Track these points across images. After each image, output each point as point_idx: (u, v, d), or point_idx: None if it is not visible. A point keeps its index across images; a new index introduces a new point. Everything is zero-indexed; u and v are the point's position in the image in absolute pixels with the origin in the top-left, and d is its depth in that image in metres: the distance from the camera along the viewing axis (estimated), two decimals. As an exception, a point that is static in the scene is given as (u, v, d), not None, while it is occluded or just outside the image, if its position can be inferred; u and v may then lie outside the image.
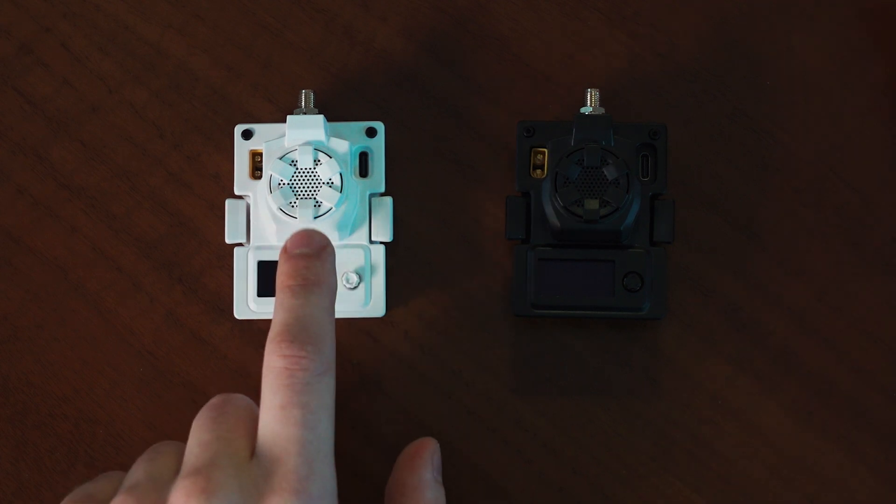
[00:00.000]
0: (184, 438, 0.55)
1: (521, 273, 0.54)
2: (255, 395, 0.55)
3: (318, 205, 0.54)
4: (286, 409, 0.45)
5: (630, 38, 0.57)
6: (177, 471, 0.47)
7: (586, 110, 0.55)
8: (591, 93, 0.55)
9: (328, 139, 0.54)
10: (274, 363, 0.46)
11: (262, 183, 0.54)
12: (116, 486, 0.48)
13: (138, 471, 0.48)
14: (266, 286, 0.54)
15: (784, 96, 0.56)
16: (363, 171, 0.56)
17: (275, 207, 0.53)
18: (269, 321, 0.55)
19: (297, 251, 0.48)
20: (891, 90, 0.56)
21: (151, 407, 0.55)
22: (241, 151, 0.56)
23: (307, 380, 0.45)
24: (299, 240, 0.49)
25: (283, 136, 0.54)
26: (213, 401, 0.49)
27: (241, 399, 0.49)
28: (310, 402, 0.45)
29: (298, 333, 0.46)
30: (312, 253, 0.48)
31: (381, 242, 0.55)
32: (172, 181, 0.57)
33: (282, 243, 0.54)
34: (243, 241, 0.55)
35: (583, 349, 0.55)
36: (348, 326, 0.56)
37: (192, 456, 0.46)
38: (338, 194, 0.53)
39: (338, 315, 0.55)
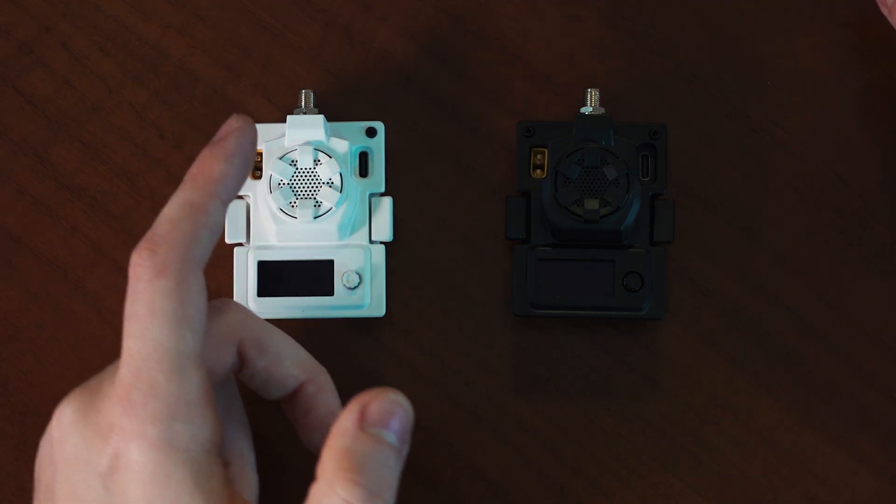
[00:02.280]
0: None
1: (521, 273, 0.54)
2: (256, 394, 0.55)
3: (318, 205, 0.54)
4: (125, 321, 0.45)
5: (630, 38, 0.57)
6: None
7: (586, 110, 0.55)
8: (591, 93, 0.55)
9: (328, 139, 0.54)
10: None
11: (262, 183, 0.54)
12: None
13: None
14: (266, 286, 0.54)
15: (784, 96, 0.56)
16: (363, 171, 0.56)
17: (275, 207, 0.53)
18: (269, 321, 0.55)
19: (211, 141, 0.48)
20: (891, 90, 0.56)
21: (151, 407, 0.55)
22: (242, 151, 0.56)
23: (137, 287, 0.44)
24: (221, 128, 0.48)
25: (283, 136, 0.55)
26: None
27: None
28: (137, 312, 0.44)
29: (146, 237, 0.45)
30: (214, 141, 0.48)
31: (381, 242, 0.55)
32: (173, 181, 0.57)
33: (282, 243, 0.54)
34: (243, 241, 0.55)
35: (583, 349, 0.55)
36: (348, 326, 0.56)
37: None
38: (338, 194, 0.53)
39: (338, 315, 0.55)
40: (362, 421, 0.44)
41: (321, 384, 0.50)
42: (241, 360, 0.49)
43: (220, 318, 0.48)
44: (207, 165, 0.47)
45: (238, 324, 0.48)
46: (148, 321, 0.44)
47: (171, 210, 0.46)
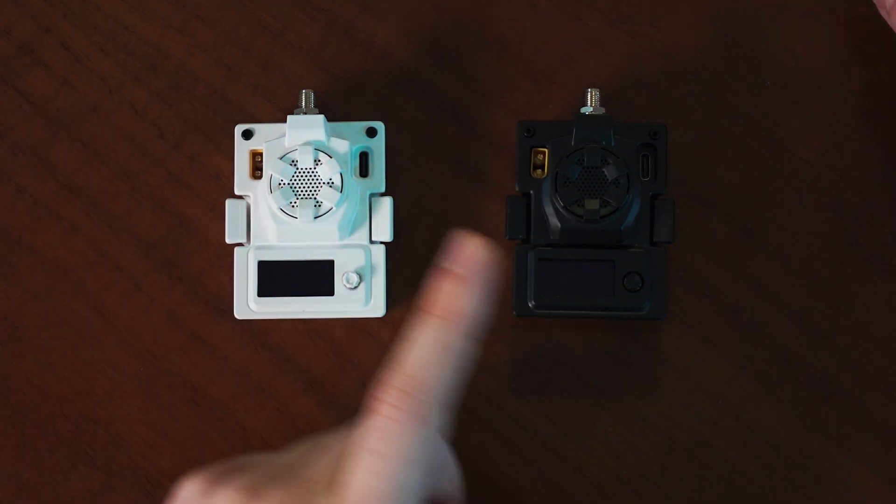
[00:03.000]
0: (184, 438, 0.55)
1: (522, 273, 0.54)
2: (256, 395, 0.55)
3: (318, 205, 0.54)
4: (370, 455, 0.43)
5: (630, 38, 0.57)
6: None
7: (586, 110, 0.55)
8: (591, 93, 0.55)
9: (328, 139, 0.54)
10: (372, 404, 0.43)
11: (263, 183, 0.54)
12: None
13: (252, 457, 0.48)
14: (266, 286, 0.54)
15: (784, 96, 0.56)
16: (363, 171, 0.56)
17: (275, 207, 0.53)
18: (269, 321, 0.55)
19: (446, 265, 0.44)
20: (891, 90, 0.56)
21: (151, 407, 0.55)
22: (242, 151, 0.56)
23: (396, 431, 0.43)
24: (457, 251, 0.44)
25: (284, 136, 0.54)
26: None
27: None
28: (394, 455, 0.43)
29: (398, 376, 0.43)
30: (463, 274, 0.44)
31: (381, 242, 0.55)
32: (172, 181, 0.57)
33: (282, 243, 0.54)
34: (243, 241, 0.55)
35: (583, 349, 0.55)
36: (348, 326, 0.56)
37: (263, 469, 0.46)
38: (338, 194, 0.53)
39: (338, 315, 0.55)
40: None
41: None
42: None
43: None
44: (458, 302, 0.43)
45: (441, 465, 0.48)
46: (401, 467, 0.42)
47: (426, 351, 0.43)
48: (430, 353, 0.43)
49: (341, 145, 0.54)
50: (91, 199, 0.57)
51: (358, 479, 0.43)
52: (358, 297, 0.54)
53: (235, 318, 0.55)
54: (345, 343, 0.56)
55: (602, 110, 0.55)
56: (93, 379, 0.56)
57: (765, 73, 0.56)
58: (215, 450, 0.55)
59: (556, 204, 0.53)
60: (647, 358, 0.55)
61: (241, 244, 0.55)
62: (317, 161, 0.54)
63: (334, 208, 0.54)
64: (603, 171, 0.53)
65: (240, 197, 0.56)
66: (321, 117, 0.54)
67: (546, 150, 0.55)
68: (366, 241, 0.55)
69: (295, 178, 0.54)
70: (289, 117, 0.54)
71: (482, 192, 0.56)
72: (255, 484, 0.44)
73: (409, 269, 0.56)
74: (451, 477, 0.49)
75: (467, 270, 0.44)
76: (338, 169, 0.54)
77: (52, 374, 0.56)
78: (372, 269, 0.55)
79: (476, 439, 0.55)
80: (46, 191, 0.57)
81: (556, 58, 0.57)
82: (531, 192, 0.54)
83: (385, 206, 0.55)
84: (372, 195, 0.55)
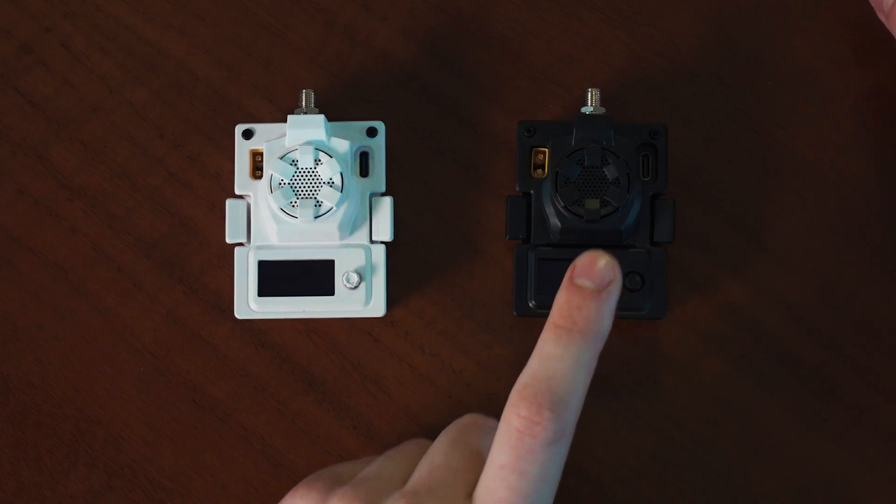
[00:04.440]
0: (184, 438, 0.55)
1: (522, 273, 0.54)
2: (256, 395, 0.55)
3: (318, 204, 0.54)
4: (505, 470, 0.43)
5: (630, 38, 0.57)
6: (407, 478, 0.47)
7: (587, 110, 0.55)
8: (591, 93, 0.55)
9: (329, 139, 0.54)
10: (509, 418, 0.44)
11: (263, 183, 0.54)
12: (360, 470, 0.49)
13: (376, 465, 0.48)
14: (267, 286, 0.54)
15: (784, 96, 0.56)
16: (363, 171, 0.56)
17: (275, 207, 0.53)
18: (270, 321, 0.55)
19: (579, 281, 0.45)
20: (891, 90, 0.56)
21: (151, 407, 0.55)
22: (242, 151, 0.56)
23: (534, 447, 0.43)
24: (585, 265, 0.45)
25: (284, 135, 0.54)
26: (464, 420, 0.49)
27: (486, 427, 0.48)
28: (530, 471, 0.43)
29: (542, 394, 0.43)
30: (592, 288, 0.44)
31: (382, 242, 0.55)
32: (173, 181, 0.57)
33: (282, 243, 0.54)
34: (244, 240, 0.55)
35: (583, 349, 0.55)
36: (348, 326, 0.56)
37: (419, 475, 0.47)
38: (338, 194, 0.53)
39: (338, 315, 0.55)
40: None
41: None
42: None
43: None
44: (598, 319, 0.45)
45: None
46: (538, 485, 0.43)
47: (569, 370, 0.44)
48: (572, 370, 0.44)
49: (341, 145, 0.54)
50: (91, 199, 0.57)
51: (496, 495, 0.43)
52: (358, 297, 0.54)
53: (235, 318, 0.55)
54: (345, 343, 0.56)
55: (602, 110, 0.55)
56: (93, 379, 0.56)
57: (765, 73, 0.56)
58: (215, 450, 0.55)
59: (557, 204, 0.53)
60: (647, 358, 0.55)
61: (241, 244, 0.55)
62: (317, 161, 0.54)
63: (334, 208, 0.54)
64: (603, 171, 0.53)
65: (240, 197, 0.56)
66: (321, 117, 0.54)
67: (546, 150, 0.55)
68: (366, 241, 0.55)
69: (295, 177, 0.54)
70: (289, 117, 0.54)
71: (482, 192, 0.56)
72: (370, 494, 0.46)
73: (409, 269, 0.56)
74: None
75: (604, 288, 0.44)
76: (338, 169, 0.54)
77: (52, 374, 0.56)
78: (372, 269, 0.55)
79: (476, 439, 0.55)
80: (46, 191, 0.57)
81: (556, 58, 0.57)
82: (531, 192, 0.54)
83: (385, 206, 0.55)
84: (372, 195, 0.55)
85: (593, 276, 0.45)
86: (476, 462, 0.47)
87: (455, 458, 0.47)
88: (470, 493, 0.45)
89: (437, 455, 0.47)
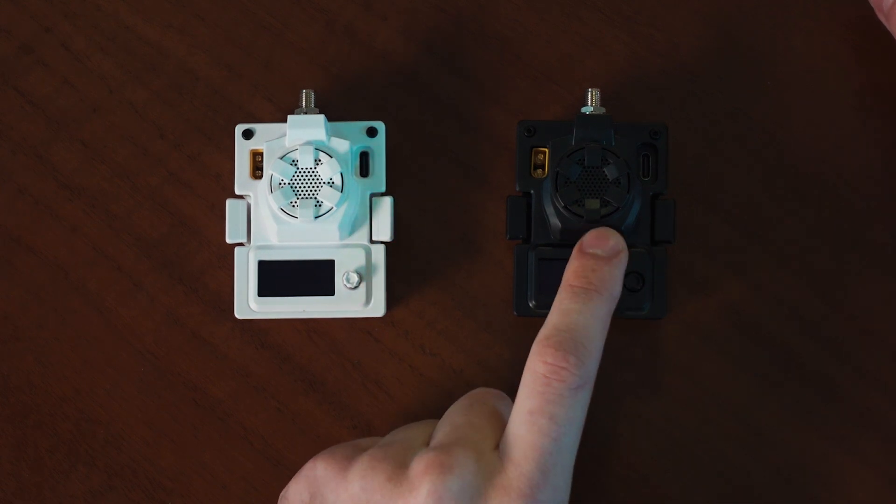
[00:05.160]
0: (184, 438, 0.55)
1: (522, 273, 0.54)
2: (256, 394, 0.55)
3: (318, 204, 0.54)
4: (534, 415, 0.45)
5: (630, 38, 0.57)
6: (428, 441, 0.49)
7: (587, 110, 0.55)
8: (591, 93, 0.55)
9: (329, 139, 0.54)
10: (535, 366, 0.46)
11: (263, 183, 0.54)
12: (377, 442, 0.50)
13: (396, 434, 0.50)
14: (267, 286, 0.54)
15: (784, 96, 0.56)
16: (364, 171, 0.56)
17: (275, 207, 0.53)
18: (270, 321, 0.55)
19: (591, 250, 0.49)
20: (891, 90, 0.56)
21: (151, 407, 0.55)
22: (242, 151, 0.56)
23: (562, 391, 0.45)
24: (595, 238, 0.49)
25: (284, 135, 0.54)
26: (473, 392, 0.51)
27: (497, 394, 0.50)
28: (559, 414, 0.45)
29: (566, 342, 0.46)
30: (604, 255, 0.48)
31: (382, 242, 0.55)
32: (173, 181, 0.57)
33: (283, 243, 0.54)
34: (244, 240, 0.55)
35: (583, 349, 0.55)
36: (348, 326, 0.56)
37: (441, 433, 0.48)
38: (338, 194, 0.53)
39: (338, 315, 0.55)
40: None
41: None
42: None
43: None
44: (613, 282, 0.48)
45: None
46: (567, 428, 0.45)
47: (592, 324, 0.47)
48: (593, 322, 0.47)
49: (341, 145, 0.54)
50: (91, 199, 0.57)
51: (526, 440, 0.45)
52: (358, 297, 0.54)
53: (235, 318, 0.55)
54: (345, 343, 0.56)
55: (602, 110, 0.55)
56: (93, 379, 0.56)
57: (765, 73, 0.56)
58: (215, 450, 0.55)
59: (557, 204, 0.53)
60: (647, 358, 0.55)
61: (241, 244, 0.55)
62: (317, 161, 0.54)
63: (334, 208, 0.54)
64: (603, 171, 0.53)
65: (240, 197, 0.56)
66: (321, 117, 0.54)
67: (546, 150, 0.55)
68: (366, 241, 0.55)
69: (295, 177, 0.54)
70: (289, 117, 0.54)
71: (482, 192, 0.56)
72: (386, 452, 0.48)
73: (409, 269, 0.56)
74: None
75: (615, 256, 0.48)
76: (338, 169, 0.54)
77: (52, 374, 0.56)
78: (372, 268, 0.55)
79: (476, 439, 0.55)
80: (46, 191, 0.57)
81: (556, 58, 0.57)
82: (531, 191, 0.54)
83: (385, 206, 0.55)
84: (372, 195, 0.55)
85: (604, 246, 0.49)
86: (496, 420, 0.48)
87: (475, 416, 0.48)
88: (495, 447, 0.47)
89: (458, 416, 0.49)
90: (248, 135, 0.56)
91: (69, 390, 0.56)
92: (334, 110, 0.56)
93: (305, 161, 0.54)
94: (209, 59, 0.57)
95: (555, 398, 0.45)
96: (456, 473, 0.45)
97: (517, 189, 0.55)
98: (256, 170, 0.55)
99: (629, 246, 0.54)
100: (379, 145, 0.56)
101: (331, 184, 0.54)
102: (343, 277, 0.54)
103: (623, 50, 0.57)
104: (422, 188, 0.56)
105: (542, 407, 0.45)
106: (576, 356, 0.46)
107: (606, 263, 0.48)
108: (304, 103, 0.56)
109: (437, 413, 0.55)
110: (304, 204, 0.53)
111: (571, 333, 0.46)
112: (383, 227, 0.55)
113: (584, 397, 0.46)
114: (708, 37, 0.57)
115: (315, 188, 0.54)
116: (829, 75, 0.56)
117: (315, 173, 0.54)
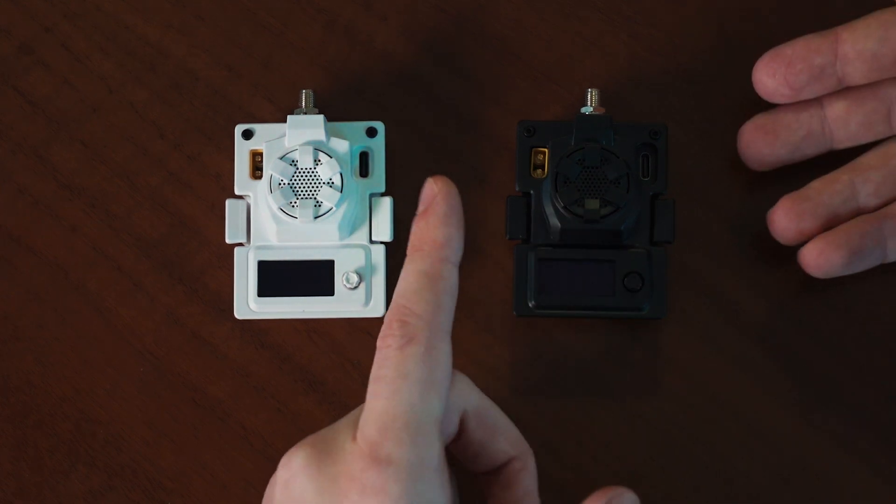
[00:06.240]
0: (184, 438, 0.55)
1: (522, 273, 0.54)
2: (256, 394, 0.55)
3: (318, 205, 0.54)
4: (370, 384, 0.46)
5: (630, 38, 0.57)
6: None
7: (587, 110, 0.55)
8: (591, 93, 0.55)
9: (328, 139, 0.54)
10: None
11: (263, 183, 0.54)
12: None
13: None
14: (267, 286, 0.54)
15: (784, 96, 0.56)
16: (363, 171, 0.56)
17: (275, 207, 0.54)
18: (270, 321, 0.55)
19: (419, 209, 0.48)
20: (891, 90, 0.56)
21: (151, 407, 0.55)
22: (242, 151, 0.56)
23: (387, 354, 0.45)
24: (422, 195, 0.48)
25: (284, 135, 0.55)
26: None
27: None
28: (386, 375, 0.45)
29: (391, 311, 0.46)
30: (421, 211, 0.48)
31: (382, 242, 0.55)
32: (173, 181, 0.57)
33: (282, 243, 0.54)
34: (244, 240, 0.55)
35: (583, 349, 0.55)
36: (348, 326, 0.56)
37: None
38: (338, 194, 0.54)
39: (338, 315, 0.55)
40: None
41: (526, 463, 0.50)
42: (461, 431, 0.49)
43: (451, 387, 0.48)
44: (428, 233, 0.47)
45: (464, 395, 0.48)
46: (398, 383, 0.45)
47: (409, 283, 0.46)
48: (413, 281, 0.46)
49: (341, 145, 0.54)
50: (91, 199, 0.57)
51: (368, 407, 0.45)
52: (358, 297, 0.54)
53: (235, 318, 0.55)
54: (345, 343, 0.56)
55: (602, 110, 0.55)
56: (93, 379, 0.56)
57: (765, 73, 0.56)
58: (215, 450, 0.55)
59: (557, 204, 0.53)
60: (647, 358, 0.55)
61: (241, 244, 0.55)
62: (317, 161, 0.54)
63: (334, 208, 0.54)
64: (603, 171, 0.53)
65: (240, 197, 0.56)
66: (321, 117, 0.54)
67: (546, 150, 0.55)
68: (366, 241, 0.55)
69: (295, 178, 0.54)
70: (289, 117, 0.54)
71: (482, 192, 0.56)
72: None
73: (409, 269, 0.56)
74: (505, 432, 0.49)
75: (431, 205, 0.47)
76: (338, 169, 0.54)
77: (52, 374, 0.56)
78: (372, 269, 0.55)
79: (476, 439, 0.55)
80: (46, 191, 0.57)
81: (556, 58, 0.57)
82: (531, 192, 0.54)
83: (385, 206, 0.55)
84: (372, 195, 0.55)
85: (423, 200, 0.48)
86: None
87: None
88: None
89: None
90: (247, 135, 0.56)
91: (69, 390, 0.56)
92: (334, 110, 0.56)
93: (305, 161, 0.54)
94: (209, 59, 0.57)
95: (381, 361, 0.45)
96: (309, 442, 0.46)
97: (517, 189, 0.55)
98: (256, 170, 0.56)
99: (629, 246, 0.54)
100: (378, 145, 0.56)
101: (330, 184, 0.54)
102: (343, 278, 0.54)
103: (623, 50, 0.57)
104: (422, 188, 0.56)
105: (374, 373, 0.45)
106: (398, 319, 0.46)
107: (421, 219, 0.47)
108: (303, 103, 0.56)
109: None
110: (304, 204, 0.53)
111: (396, 299, 0.46)
112: (383, 228, 0.55)
113: (415, 350, 0.45)
114: (708, 37, 0.57)
115: (315, 188, 0.54)
116: (829, 75, 0.56)
117: (315, 173, 0.54)
